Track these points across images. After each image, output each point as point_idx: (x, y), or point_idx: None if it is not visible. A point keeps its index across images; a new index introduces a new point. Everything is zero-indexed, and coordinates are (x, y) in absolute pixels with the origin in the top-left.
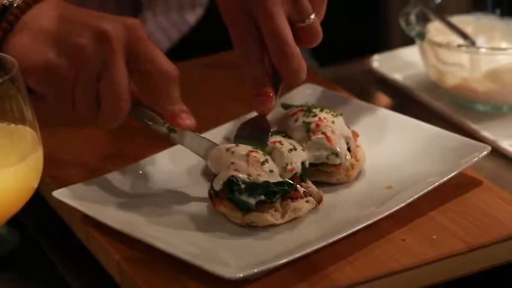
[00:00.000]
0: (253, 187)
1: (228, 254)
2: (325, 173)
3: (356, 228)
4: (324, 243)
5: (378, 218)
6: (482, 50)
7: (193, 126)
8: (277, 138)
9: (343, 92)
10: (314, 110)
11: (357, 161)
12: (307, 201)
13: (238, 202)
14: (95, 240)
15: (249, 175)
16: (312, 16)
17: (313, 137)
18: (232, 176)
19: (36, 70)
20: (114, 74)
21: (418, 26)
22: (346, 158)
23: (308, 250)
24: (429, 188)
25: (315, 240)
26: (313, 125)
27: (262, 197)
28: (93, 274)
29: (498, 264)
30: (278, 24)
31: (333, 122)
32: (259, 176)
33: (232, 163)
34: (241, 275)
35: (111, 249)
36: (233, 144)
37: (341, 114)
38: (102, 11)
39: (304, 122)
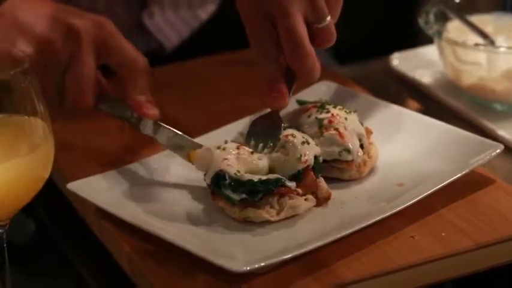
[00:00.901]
0: (237, 184)
1: (235, 247)
2: (337, 169)
3: (363, 225)
4: (331, 239)
5: (386, 215)
6: (499, 49)
7: (156, 116)
8: (290, 131)
9: (359, 90)
10: (327, 106)
11: (369, 158)
12: (306, 199)
13: (225, 196)
14: (106, 232)
15: (238, 171)
16: (328, 18)
17: (326, 133)
18: (221, 170)
19: (4, 59)
20: (80, 67)
21: (436, 25)
22: (358, 154)
23: (314, 245)
24: (439, 186)
25: (322, 236)
26: (325, 121)
27: (244, 195)
28: (105, 265)
29: (506, 263)
30: (295, 25)
31: (345, 119)
32: (249, 171)
33: (225, 159)
34: (247, 268)
35: (122, 241)
36: (222, 144)
37: (355, 112)
38: (110, 4)
39: (317, 118)
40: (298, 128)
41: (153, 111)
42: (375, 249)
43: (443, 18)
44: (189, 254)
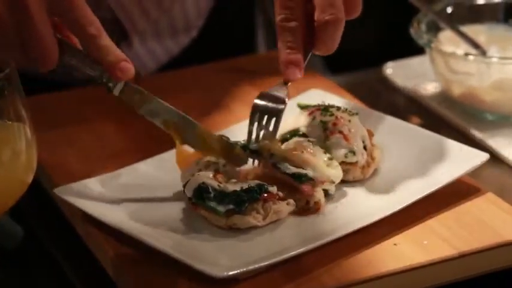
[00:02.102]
0: (221, 196)
1: (218, 253)
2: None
3: (344, 233)
4: (313, 246)
5: (367, 223)
6: (488, 59)
7: (130, 76)
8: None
9: (348, 98)
10: (331, 109)
11: (372, 159)
12: (287, 204)
13: (210, 209)
14: (91, 236)
15: (219, 182)
16: None
17: (332, 137)
18: (203, 182)
19: None
20: (32, 25)
21: (428, 35)
22: (362, 156)
23: (296, 252)
24: (422, 195)
25: (304, 242)
26: (330, 124)
27: (231, 206)
28: (92, 269)
29: (489, 271)
30: None
31: (349, 121)
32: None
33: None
34: (228, 274)
35: (106, 245)
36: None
37: (357, 114)
38: None
39: (321, 121)
40: (303, 131)
41: (126, 73)
42: (358, 256)
43: (435, 28)
44: (172, 259)
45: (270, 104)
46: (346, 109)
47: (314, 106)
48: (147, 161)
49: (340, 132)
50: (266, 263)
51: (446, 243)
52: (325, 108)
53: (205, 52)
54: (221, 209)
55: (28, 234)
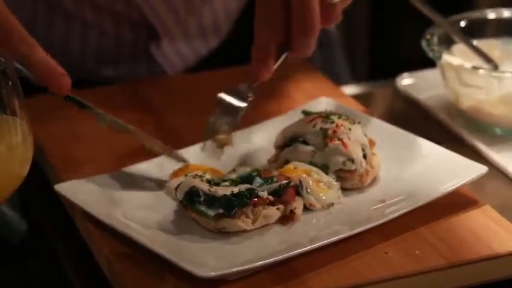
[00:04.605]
0: (211, 200)
1: (207, 254)
2: (340, 178)
3: (333, 239)
4: (301, 251)
5: (359, 230)
6: (496, 74)
7: (67, 90)
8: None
9: (354, 106)
10: (332, 117)
11: (371, 168)
12: (277, 209)
13: (200, 212)
14: (90, 234)
15: (210, 186)
16: None
17: (330, 144)
18: (194, 186)
19: None
20: None
21: (440, 47)
22: (361, 164)
23: (285, 255)
24: (416, 205)
25: (293, 246)
26: (330, 131)
27: (221, 210)
28: (92, 269)
29: (479, 283)
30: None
31: (349, 129)
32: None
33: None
34: (214, 274)
35: (102, 242)
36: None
37: (359, 123)
38: (118, 37)
39: (321, 128)
40: (303, 137)
41: (63, 86)
42: (347, 262)
43: (447, 41)
44: (163, 259)
45: (233, 100)
46: (348, 117)
47: (317, 113)
48: (150, 162)
49: (340, 139)
50: (252, 266)
51: (437, 253)
52: (326, 116)
53: (233, 54)
54: (211, 212)
55: (33, 229)
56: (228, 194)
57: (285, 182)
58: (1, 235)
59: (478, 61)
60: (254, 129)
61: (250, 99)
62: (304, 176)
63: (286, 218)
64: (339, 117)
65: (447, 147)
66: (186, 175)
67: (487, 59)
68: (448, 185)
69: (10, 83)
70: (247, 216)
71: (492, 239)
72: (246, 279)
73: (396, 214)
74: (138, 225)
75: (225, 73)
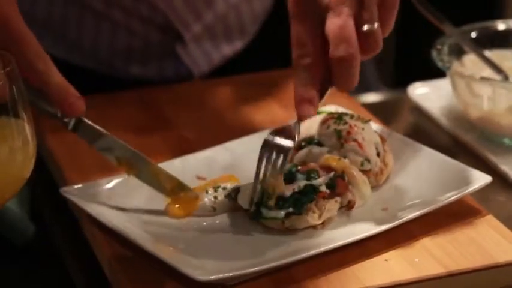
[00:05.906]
0: (281, 201)
1: (206, 258)
2: None
3: (332, 246)
4: (300, 257)
5: (360, 237)
6: (504, 84)
7: (81, 113)
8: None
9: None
10: (344, 117)
11: (385, 165)
12: (335, 201)
13: (268, 221)
14: (93, 236)
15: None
16: (376, 24)
17: (346, 145)
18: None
19: None
20: None
21: (451, 57)
22: (376, 163)
23: (283, 262)
24: (418, 213)
25: (294, 253)
26: (344, 132)
27: (291, 209)
28: (97, 272)
29: None
30: (345, 21)
31: (362, 129)
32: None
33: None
34: (212, 278)
35: (106, 245)
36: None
37: (369, 121)
38: (146, 37)
39: (335, 129)
40: (318, 139)
41: (76, 110)
42: (346, 269)
43: (458, 51)
44: (164, 262)
45: (279, 141)
46: (359, 117)
47: (328, 113)
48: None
49: (355, 140)
50: (251, 270)
51: (436, 261)
52: (339, 117)
53: (258, 55)
54: (280, 215)
55: (40, 232)
56: (295, 192)
57: (332, 174)
58: (4, 234)
59: (488, 71)
60: (262, 136)
61: (296, 137)
62: (348, 166)
63: (347, 208)
64: (351, 118)
65: (455, 157)
66: (207, 191)
67: (498, 69)
68: (451, 194)
69: (14, 85)
70: (313, 212)
71: (493, 248)
72: (245, 284)
73: (397, 222)
74: (140, 230)
75: (235, 80)
